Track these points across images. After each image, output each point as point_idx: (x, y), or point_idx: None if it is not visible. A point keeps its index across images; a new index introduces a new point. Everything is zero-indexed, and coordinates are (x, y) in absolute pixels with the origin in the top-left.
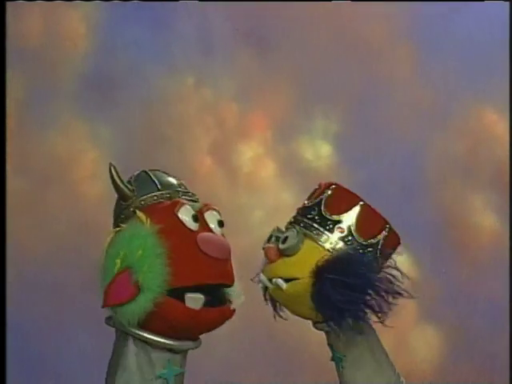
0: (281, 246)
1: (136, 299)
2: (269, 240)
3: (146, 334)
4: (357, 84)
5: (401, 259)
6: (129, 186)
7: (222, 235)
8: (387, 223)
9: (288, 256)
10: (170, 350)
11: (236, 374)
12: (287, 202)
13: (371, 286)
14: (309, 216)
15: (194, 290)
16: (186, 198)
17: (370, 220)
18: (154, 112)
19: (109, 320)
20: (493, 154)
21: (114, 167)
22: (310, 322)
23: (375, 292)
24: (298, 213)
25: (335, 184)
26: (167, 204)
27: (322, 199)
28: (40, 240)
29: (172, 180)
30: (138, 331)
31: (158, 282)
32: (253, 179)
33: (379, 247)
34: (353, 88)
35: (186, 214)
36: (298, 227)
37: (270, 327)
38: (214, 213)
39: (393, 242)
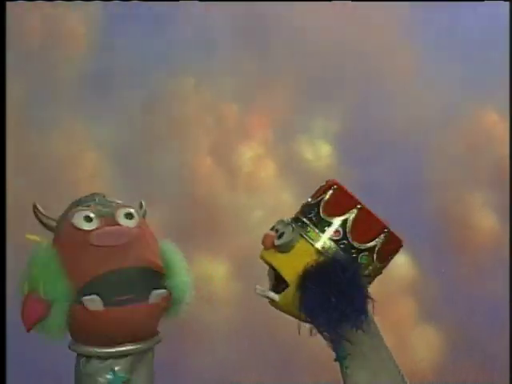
0: (276, 242)
1: (50, 314)
2: (271, 230)
3: (86, 348)
4: (357, 84)
5: (401, 259)
6: (53, 218)
7: (139, 227)
8: (385, 227)
9: (282, 252)
10: (110, 357)
11: (236, 374)
12: (287, 201)
13: (350, 301)
14: (308, 215)
15: (107, 288)
16: (98, 205)
17: (366, 224)
18: (154, 112)
19: (69, 345)
20: (493, 154)
21: (37, 206)
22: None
23: (354, 308)
24: (300, 209)
25: (336, 184)
26: (65, 217)
27: (322, 199)
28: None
29: (94, 197)
30: (79, 347)
31: (60, 290)
32: (253, 179)
33: (376, 252)
34: (353, 88)
35: (78, 218)
36: (295, 225)
37: (270, 327)
38: (125, 210)
39: (392, 246)
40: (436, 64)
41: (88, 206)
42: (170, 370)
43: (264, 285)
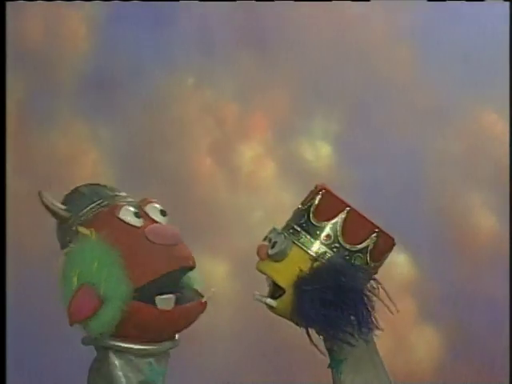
0: (269, 252)
1: (103, 310)
2: (264, 240)
3: (124, 344)
4: (357, 84)
5: (401, 259)
6: (63, 208)
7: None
8: (376, 227)
9: (276, 261)
10: (151, 353)
11: (236, 374)
12: (287, 202)
13: (351, 303)
14: (299, 222)
15: (160, 287)
16: (124, 200)
17: (356, 225)
18: (154, 112)
19: (85, 340)
20: (492, 154)
21: (44, 194)
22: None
23: (355, 309)
24: (291, 216)
25: (324, 189)
26: (106, 211)
27: (311, 205)
28: (40, 240)
29: (104, 189)
30: (116, 342)
31: (122, 288)
32: (253, 179)
33: (368, 252)
34: (353, 88)
35: (127, 214)
36: (287, 233)
37: (270, 326)
38: (155, 205)
39: (385, 246)
40: (436, 64)
41: (114, 198)
42: (170, 371)
43: (264, 287)
